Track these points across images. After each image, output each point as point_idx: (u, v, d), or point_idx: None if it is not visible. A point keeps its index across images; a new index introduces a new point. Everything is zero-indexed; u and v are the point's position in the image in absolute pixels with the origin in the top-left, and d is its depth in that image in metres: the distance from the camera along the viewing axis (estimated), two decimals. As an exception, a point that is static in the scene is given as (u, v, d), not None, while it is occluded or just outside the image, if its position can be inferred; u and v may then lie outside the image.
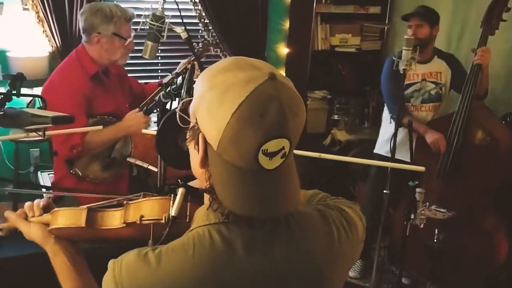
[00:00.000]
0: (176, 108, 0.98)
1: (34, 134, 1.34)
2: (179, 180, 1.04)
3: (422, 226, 2.96)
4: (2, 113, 1.26)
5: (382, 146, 3.42)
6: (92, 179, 2.38)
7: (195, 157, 0.95)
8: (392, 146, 2.83)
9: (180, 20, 2.35)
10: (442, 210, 2.81)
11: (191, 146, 0.96)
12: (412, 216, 2.94)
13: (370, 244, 3.50)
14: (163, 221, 1.02)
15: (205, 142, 0.91)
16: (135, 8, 2.57)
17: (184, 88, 1.38)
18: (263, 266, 0.93)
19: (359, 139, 4.25)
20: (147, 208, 1.05)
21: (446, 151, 3.04)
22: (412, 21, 3.16)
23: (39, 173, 3.55)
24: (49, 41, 3.61)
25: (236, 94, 0.85)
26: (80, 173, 2.34)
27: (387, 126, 3.35)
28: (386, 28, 4.43)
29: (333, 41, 4.35)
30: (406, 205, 2.83)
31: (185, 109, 0.96)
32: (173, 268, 0.90)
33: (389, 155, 3.27)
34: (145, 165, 2.25)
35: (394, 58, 2.87)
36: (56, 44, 3.59)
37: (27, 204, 1.26)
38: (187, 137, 0.96)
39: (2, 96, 1.25)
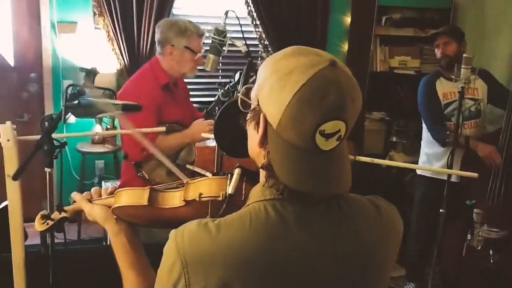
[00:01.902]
0: (237, 93, 1.04)
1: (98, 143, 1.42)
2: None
3: (479, 248, 2.88)
4: (77, 103, 1.38)
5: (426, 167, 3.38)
6: (157, 183, 2.49)
7: (254, 138, 1.00)
8: (449, 162, 2.79)
9: (241, 35, 2.45)
10: (495, 229, 2.72)
11: (250, 127, 1.01)
12: (469, 237, 2.87)
13: (423, 267, 3.42)
14: (220, 198, 1.08)
15: (265, 122, 0.96)
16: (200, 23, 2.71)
17: (241, 83, 1.45)
18: (314, 243, 0.97)
19: (417, 162, 4.18)
20: (205, 187, 1.12)
21: (495, 170, 2.96)
22: (439, 40, 3.20)
23: (103, 183, 3.72)
24: (117, 58, 3.83)
25: (298, 77, 0.90)
26: (146, 176, 2.48)
27: (428, 147, 3.30)
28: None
29: (392, 63, 4.36)
30: (462, 225, 2.77)
31: (245, 94, 1.02)
32: (231, 235, 0.94)
33: (433, 176, 3.25)
34: (203, 171, 2.34)
35: (431, 77, 2.87)
36: (124, 62, 3.80)
37: (93, 188, 1.35)
38: (247, 118, 1.01)
39: (77, 89, 1.36)
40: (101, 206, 1.30)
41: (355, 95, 0.94)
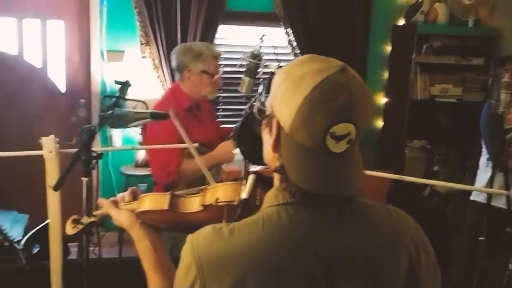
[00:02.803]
0: (254, 103, 1.10)
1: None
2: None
3: (524, 279, 2.78)
4: (111, 113, 1.47)
5: (479, 193, 3.27)
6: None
7: (268, 143, 1.04)
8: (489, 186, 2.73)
9: (275, 57, 2.52)
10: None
11: (265, 133, 1.05)
12: (510, 267, 2.78)
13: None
14: (235, 203, 1.12)
15: (278, 126, 1.00)
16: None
17: (264, 92, 1.51)
18: (326, 245, 0.99)
19: (460, 191, 4.09)
20: (222, 192, 1.16)
21: None
22: (508, 65, 3.11)
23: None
24: (162, 85, 3.98)
25: (309, 80, 0.94)
26: None
27: (484, 172, 3.22)
28: (490, 79, 4.33)
29: (433, 91, 4.32)
30: (505, 254, 2.69)
31: (262, 103, 1.07)
32: (244, 238, 0.98)
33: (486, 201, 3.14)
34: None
35: (492, 102, 2.82)
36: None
37: (119, 194, 1.42)
38: (262, 125, 1.06)
39: (114, 100, 1.46)
40: (127, 211, 1.35)
41: (365, 99, 0.97)
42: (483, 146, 3.27)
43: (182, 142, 2.45)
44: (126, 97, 1.74)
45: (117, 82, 1.68)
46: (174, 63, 2.61)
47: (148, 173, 3.93)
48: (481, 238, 2.71)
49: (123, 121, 1.52)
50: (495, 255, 2.95)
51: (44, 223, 2.29)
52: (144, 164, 3.99)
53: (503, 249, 2.82)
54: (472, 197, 3.35)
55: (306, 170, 0.98)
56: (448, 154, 4.29)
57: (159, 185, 2.55)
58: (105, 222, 1.52)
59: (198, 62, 2.53)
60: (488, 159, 3.12)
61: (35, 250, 2.97)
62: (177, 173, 2.44)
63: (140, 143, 3.85)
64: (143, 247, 1.30)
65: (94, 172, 4.02)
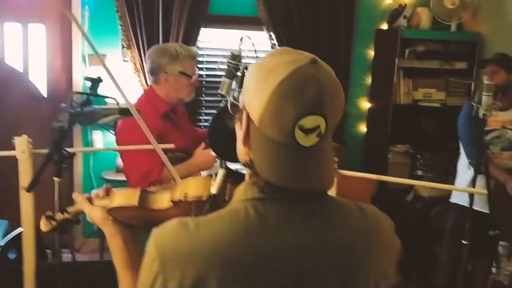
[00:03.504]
0: (227, 99, 1.08)
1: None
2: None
3: (506, 283, 2.77)
4: (80, 110, 1.44)
5: (460, 195, 3.28)
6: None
7: (239, 137, 1.02)
8: (470, 195, 2.72)
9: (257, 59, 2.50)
10: (524, 264, 2.62)
11: (237, 126, 1.04)
12: (494, 271, 2.77)
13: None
14: (204, 198, 1.10)
15: (248, 119, 0.98)
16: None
17: (237, 87, 1.48)
18: (294, 242, 0.96)
19: (444, 195, 4.09)
20: (191, 187, 1.14)
21: None
22: (488, 68, 3.13)
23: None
24: (144, 89, 3.94)
25: (279, 73, 0.93)
26: None
27: (464, 173, 3.23)
28: (473, 83, 4.34)
29: (416, 96, 4.33)
30: (487, 258, 2.68)
31: (235, 99, 1.05)
32: (209, 233, 0.95)
33: (468, 204, 3.14)
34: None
35: (474, 104, 2.82)
36: (150, 92, 3.91)
37: (93, 190, 1.39)
38: (236, 119, 1.04)
39: (85, 97, 1.43)
40: (100, 208, 1.32)
41: (336, 92, 0.95)
42: (462, 148, 3.27)
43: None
44: (98, 94, 1.69)
45: (87, 79, 1.65)
46: (149, 66, 2.51)
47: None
48: (464, 242, 2.70)
49: (92, 118, 1.49)
50: (479, 259, 2.94)
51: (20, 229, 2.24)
52: (126, 169, 3.94)
53: (486, 253, 2.81)
54: (451, 200, 3.35)
55: (275, 164, 0.96)
56: (432, 159, 4.29)
57: None
58: (84, 228, 1.49)
59: (175, 63, 2.45)
60: (469, 163, 3.12)
61: (13, 256, 2.92)
62: (160, 183, 2.33)
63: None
64: (115, 245, 1.28)
65: (73, 174, 4.00)
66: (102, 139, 4.01)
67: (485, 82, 2.77)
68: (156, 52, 2.48)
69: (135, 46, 3.88)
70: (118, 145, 2.49)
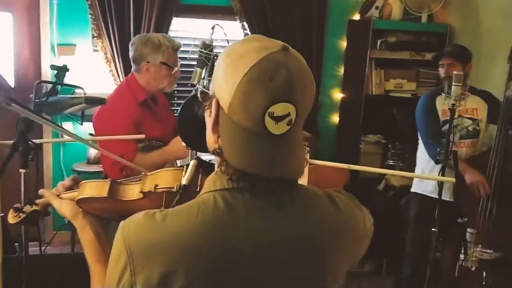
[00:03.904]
0: (197, 86, 1.06)
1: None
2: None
3: (474, 269, 2.83)
4: (45, 99, 1.41)
5: (419, 184, 3.35)
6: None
7: (209, 124, 1.01)
8: (439, 184, 2.78)
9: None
10: (488, 251, 2.67)
11: (206, 114, 1.02)
12: (462, 257, 2.82)
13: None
14: (174, 189, 1.08)
15: (218, 106, 0.96)
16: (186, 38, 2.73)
17: (207, 75, 1.47)
18: (265, 231, 0.96)
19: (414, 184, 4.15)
20: (161, 178, 1.13)
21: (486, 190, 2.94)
22: (444, 60, 3.19)
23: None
24: (114, 80, 3.89)
25: (249, 59, 0.91)
26: None
27: (423, 164, 3.28)
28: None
29: (388, 86, 4.37)
30: (455, 245, 2.73)
31: (205, 87, 1.04)
32: (176, 225, 0.94)
33: (428, 194, 3.22)
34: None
35: (444, 94, 2.87)
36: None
37: (60, 182, 1.37)
38: (205, 107, 1.02)
39: (51, 86, 1.39)
40: (69, 201, 1.31)
41: (306, 80, 0.94)
42: (420, 138, 3.33)
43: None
44: (64, 82, 1.65)
45: (53, 67, 1.61)
46: (131, 54, 2.52)
47: (100, 169, 3.84)
48: (433, 229, 2.75)
49: (58, 108, 1.46)
50: (443, 247, 3.00)
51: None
52: (96, 161, 3.89)
53: (451, 240, 2.87)
54: (412, 189, 3.42)
55: (244, 151, 0.95)
56: (403, 149, 4.34)
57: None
58: (54, 220, 1.46)
59: (157, 53, 2.46)
60: (431, 156, 3.18)
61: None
62: (130, 168, 2.36)
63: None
64: (85, 237, 1.27)
65: (42, 166, 3.93)
66: (72, 130, 3.95)
67: (454, 72, 2.82)
68: (140, 41, 2.49)
69: (106, 36, 3.82)
70: (95, 130, 2.50)
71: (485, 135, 3.23)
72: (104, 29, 3.81)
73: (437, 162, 3.08)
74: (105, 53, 3.87)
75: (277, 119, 0.91)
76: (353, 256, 1.08)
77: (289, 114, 0.91)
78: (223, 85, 0.93)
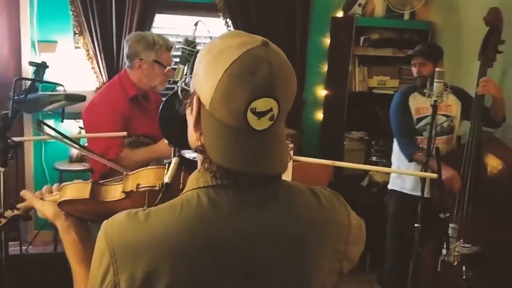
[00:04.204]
0: (178, 83, 1.05)
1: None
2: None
3: (456, 263, 2.86)
4: (23, 97, 1.38)
5: (397, 182, 3.38)
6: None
7: (190, 122, 1.00)
8: (421, 180, 2.81)
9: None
10: (467, 245, 2.70)
11: (188, 112, 1.01)
12: (444, 252, 2.85)
13: (399, 285, 3.38)
14: (157, 188, 1.07)
15: (199, 103, 0.95)
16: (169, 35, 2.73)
17: (188, 72, 1.46)
18: (249, 228, 0.96)
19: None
20: (143, 177, 1.11)
21: (463, 184, 2.97)
22: (415, 60, 3.23)
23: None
24: (97, 77, 3.86)
25: (229, 55, 0.90)
26: None
27: (399, 161, 3.32)
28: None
29: (371, 83, 4.39)
30: (437, 240, 2.75)
31: (186, 84, 1.03)
32: (159, 223, 0.93)
33: (405, 191, 3.26)
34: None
35: (426, 90, 2.89)
36: (103, 80, 3.83)
37: (45, 186, 1.35)
38: (187, 104, 1.01)
39: (30, 83, 1.37)
40: (51, 202, 1.30)
41: (287, 74, 0.94)
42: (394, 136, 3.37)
43: (125, 131, 2.41)
44: (43, 79, 1.63)
45: (31, 64, 1.58)
46: (126, 50, 2.55)
47: (83, 168, 3.81)
48: (416, 224, 2.77)
49: (38, 105, 1.44)
50: (426, 242, 3.02)
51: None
52: (79, 160, 3.86)
53: (434, 236, 2.89)
54: (389, 186, 3.45)
55: (226, 148, 0.94)
56: (386, 145, 4.36)
57: (96, 173, 2.47)
58: (36, 220, 1.45)
59: (151, 51, 2.48)
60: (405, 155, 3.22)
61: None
62: (115, 162, 2.36)
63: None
64: (68, 239, 1.26)
65: (24, 164, 3.88)
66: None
67: (436, 69, 2.84)
68: (134, 38, 2.52)
69: (88, 33, 3.78)
70: (84, 123, 2.51)
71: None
72: (85, 26, 3.76)
73: (410, 160, 3.11)
74: (87, 50, 3.82)
75: (260, 114, 0.90)
76: (341, 254, 1.06)
77: (271, 109, 0.91)
78: (204, 82, 0.93)
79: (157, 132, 2.53)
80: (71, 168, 3.83)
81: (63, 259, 1.26)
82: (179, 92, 1.00)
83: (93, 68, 3.84)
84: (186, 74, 1.48)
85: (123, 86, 2.52)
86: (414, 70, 3.30)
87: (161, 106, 1.15)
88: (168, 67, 2.51)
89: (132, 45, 2.51)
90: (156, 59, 2.49)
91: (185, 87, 1.00)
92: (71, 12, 3.79)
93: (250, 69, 0.89)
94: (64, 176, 3.81)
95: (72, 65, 3.81)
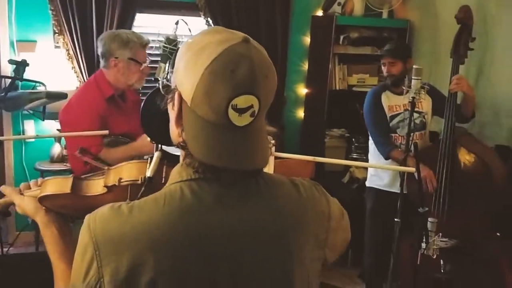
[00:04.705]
0: (159, 79, 1.06)
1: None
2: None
3: (435, 257, 2.91)
4: (3, 95, 1.38)
5: (374, 179, 3.43)
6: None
7: (172, 118, 1.01)
8: (400, 175, 2.86)
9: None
10: (444, 239, 2.76)
11: (169, 108, 1.02)
12: (423, 246, 2.90)
13: (380, 280, 3.43)
14: (139, 181, 1.09)
15: (181, 100, 0.97)
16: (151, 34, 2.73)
17: (169, 68, 1.48)
18: (232, 220, 0.97)
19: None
20: (125, 171, 1.12)
21: (438, 179, 3.02)
22: (384, 59, 3.30)
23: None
24: (77, 76, 3.83)
25: (210, 51, 0.92)
26: None
27: (376, 160, 3.38)
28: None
29: (351, 81, 4.44)
30: (416, 234, 2.80)
31: (167, 80, 1.04)
32: (143, 216, 0.94)
33: (383, 188, 3.32)
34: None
35: (404, 87, 2.94)
36: (84, 79, 3.80)
37: (23, 183, 1.35)
38: (168, 100, 1.02)
39: (10, 81, 1.36)
40: (31, 198, 1.29)
41: (268, 71, 0.96)
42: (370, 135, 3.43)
43: (101, 130, 2.39)
44: (23, 78, 1.62)
45: (11, 62, 1.58)
46: (100, 50, 2.53)
47: (64, 168, 3.79)
48: (396, 219, 2.82)
49: (18, 103, 1.43)
50: (406, 237, 3.07)
51: None
52: (60, 160, 3.83)
53: (414, 230, 2.94)
54: (367, 184, 3.51)
55: (208, 144, 0.95)
56: (366, 142, 4.40)
57: (76, 174, 2.44)
58: (17, 221, 1.44)
59: (125, 49, 2.47)
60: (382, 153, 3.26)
61: None
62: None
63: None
64: (48, 234, 1.26)
65: (4, 164, 3.85)
66: (34, 128, 3.87)
67: (414, 66, 2.90)
68: (108, 37, 2.51)
69: (67, 32, 3.75)
70: (61, 123, 2.49)
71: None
72: (65, 25, 3.74)
73: (386, 158, 3.18)
74: (67, 50, 3.80)
75: (241, 111, 0.92)
76: (322, 242, 1.08)
77: (252, 106, 0.93)
78: (185, 79, 0.94)
79: (135, 130, 2.55)
80: (52, 168, 3.81)
81: (45, 258, 1.26)
82: (160, 88, 1.02)
83: (73, 67, 3.82)
84: (167, 70, 1.50)
85: (99, 86, 2.50)
86: (384, 69, 3.36)
87: (143, 102, 1.16)
88: (144, 64, 2.50)
89: (106, 44, 2.49)
90: (131, 56, 2.48)
91: (167, 83, 1.01)
92: (50, 11, 3.76)
93: (231, 66, 0.91)
94: (45, 176, 3.77)
95: (52, 65, 3.79)
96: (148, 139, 2.37)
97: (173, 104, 1.00)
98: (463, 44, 3.10)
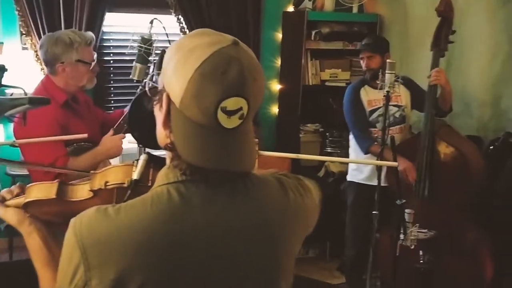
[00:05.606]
0: (146, 80, 1.05)
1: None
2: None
3: (413, 247, 2.96)
4: (-18, 100, 1.34)
5: (355, 174, 3.48)
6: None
7: (159, 120, 1.00)
8: (377, 168, 2.90)
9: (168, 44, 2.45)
10: (423, 230, 2.81)
11: (156, 109, 1.01)
12: (402, 237, 2.95)
13: (360, 273, 3.48)
14: (125, 185, 1.07)
15: (169, 101, 0.96)
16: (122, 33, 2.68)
17: (155, 70, 1.46)
18: (218, 222, 0.97)
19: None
20: (111, 175, 1.11)
21: (418, 172, 3.06)
22: (363, 54, 3.34)
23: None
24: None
25: (200, 53, 0.92)
26: None
27: (356, 154, 3.42)
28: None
29: (324, 76, 4.47)
30: (395, 225, 2.84)
31: (154, 82, 1.03)
32: (130, 218, 0.94)
33: (362, 182, 3.37)
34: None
35: (379, 82, 2.97)
36: (54, 81, 3.72)
37: (5, 189, 1.31)
38: (155, 101, 1.01)
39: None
40: (14, 209, 1.25)
41: (257, 74, 0.96)
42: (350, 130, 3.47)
43: (64, 141, 2.26)
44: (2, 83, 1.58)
45: (-11, 67, 1.53)
46: (43, 57, 2.36)
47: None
48: (374, 212, 2.85)
49: (-2, 110, 1.39)
50: (385, 229, 3.11)
51: None
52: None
53: (392, 222, 2.98)
54: (347, 178, 3.55)
55: (197, 146, 0.95)
56: (340, 136, 4.47)
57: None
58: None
59: (71, 52, 2.31)
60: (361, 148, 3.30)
61: None
62: (64, 175, 2.23)
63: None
64: (33, 244, 1.23)
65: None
66: (4, 132, 3.78)
67: (387, 60, 2.93)
68: (49, 42, 2.33)
69: (35, 33, 3.67)
70: (16, 137, 2.32)
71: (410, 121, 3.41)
72: (33, 26, 3.66)
73: (366, 153, 3.23)
74: (35, 51, 3.71)
75: (230, 113, 0.92)
76: (304, 236, 1.13)
77: (241, 108, 0.93)
78: (174, 80, 0.94)
79: (96, 132, 2.45)
80: (24, 173, 3.71)
81: (21, 267, 1.23)
82: (147, 90, 1.01)
83: (42, 69, 3.73)
84: (152, 73, 1.48)
85: (50, 94, 2.29)
86: (363, 63, 3.39)
87: (129, 106, 1.14)
88: (92, 63, 2.38)
89: (48, 50, 2.32)
90: (78, 58, 2.33)
91: (154, 84, 1.00)
92: (16, 12, 3.67)
93: (221, 68, 0.91)
94: (16, 181, 3.69)
95: (20, 67, 3.69)
96: (112, 141, 2.31)
97: (161, 106, 0.99)
98: (443, 37, 3.13)
